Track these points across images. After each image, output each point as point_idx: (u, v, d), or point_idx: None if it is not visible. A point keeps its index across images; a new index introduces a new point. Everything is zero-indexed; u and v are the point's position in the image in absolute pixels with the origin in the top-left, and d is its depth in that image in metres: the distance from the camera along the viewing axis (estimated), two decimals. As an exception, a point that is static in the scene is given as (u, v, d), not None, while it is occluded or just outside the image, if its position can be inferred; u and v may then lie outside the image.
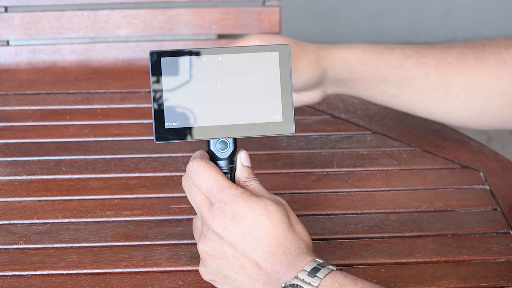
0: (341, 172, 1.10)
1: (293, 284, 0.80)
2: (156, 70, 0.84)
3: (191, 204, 0.86)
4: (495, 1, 3.08)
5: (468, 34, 3.07)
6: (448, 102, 1.09)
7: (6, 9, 1.37)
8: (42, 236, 0.97)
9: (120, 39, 1.39)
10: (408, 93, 1.09)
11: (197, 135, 0.85)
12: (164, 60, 0.84)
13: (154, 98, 0.84)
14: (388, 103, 1.11)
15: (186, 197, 0.86)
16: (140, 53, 1.37)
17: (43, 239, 0.96)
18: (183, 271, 0.92)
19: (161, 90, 0.84)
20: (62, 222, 1.00)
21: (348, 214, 1.02)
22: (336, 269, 0.81)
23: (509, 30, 3.08)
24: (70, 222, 1.00)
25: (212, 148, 0.86)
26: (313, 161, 1.12)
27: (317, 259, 0.81)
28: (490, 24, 3.09)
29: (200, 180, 0.84)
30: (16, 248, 0.95)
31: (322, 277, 0.80)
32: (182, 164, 1.11)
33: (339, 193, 1.06)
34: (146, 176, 1.08)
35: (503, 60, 1.08)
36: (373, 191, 1.06)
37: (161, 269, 0.92)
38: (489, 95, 1.08)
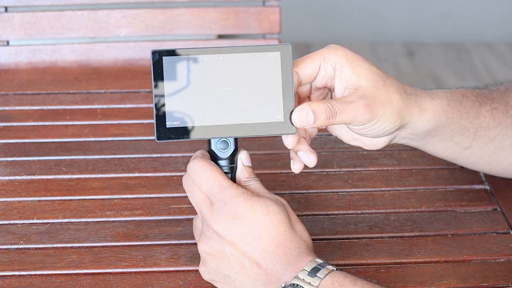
0: (341, 172, 1.10)
1: (293, 284, 0.80)
2: (158, 69, 0.84)
3: (191, 204, 0.86)
4: (495, 1, 3.08)
5: (468, 34, 3.07)
6: None
7: (6, 9, 1.37)
8: (42, 236, 0.97)
9: (120, 39, 1.39)
10: (480, 144, 0.99)
11: (198, 135, 0.85)
12: (166, 59, 0.84)
13: (155, 97, 0.84)
14: (457, 156, 1.00)
15: (186, 197, 0.86)
16: (140, 53, 1.37)
17: (43, 239, 0.96)
18: (183, 271, 0.92)
19: (163, 89, 0.84)
20: (62, 222, 1.00)
21: (348, 214, 1.02)
22: (336, 269, 0.81)
23: (509, 30, 3.08)
24: (70, 222, 1.00)
25: (213, 148, 0.86)
26: (313, 161, 1.12)
27: (317, 259, 0.81)
28: (490, 24, 3.09)
29: (200, 180, 0.84)
30: (16, 248, 0.95)
31: (322, 277, 0.80)
32: (182, 164, 1.11)
33: (339, 193, 1.06)
34: (146, 176, 1.08)
35: None
36: (373, 191, 1.06)
37: (161, 269, 0.92)
38: None
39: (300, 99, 0.92)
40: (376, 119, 0.88)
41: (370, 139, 0.94)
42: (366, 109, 0.87)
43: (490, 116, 0.98)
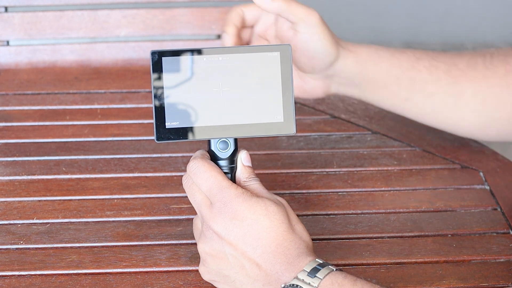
0: (341, 172, 1.10)
1: (293, 285, 0.80)
2: (157, 69, 0.84)
3: (191, 204, 0.86)
4: (495, 1, 3.08)
5: (468, 34, 3.07)
6: (458, 109, 1.06)
7: (6, 9, 1.37)
8: (42, 236, 0.97)
9: (120, 39, 1.39)
10: (419, 98, 1.06)
11: (198, 135, 0.85)
12: (165, 60, 0.84)
13: (155, 97, 0.84)
14: (398, 107, 1.08)
15: (186, 197, 0.86)
16: (140, 53, 1.37)
17: (43, 239, 0.96)
18: (183, 271, 0.92)
19: (162, 90, 0.84)
20: (62, 222, 0.99)
21: (348, 214, 1.02)
22: (336, 270, 0.81)
23: (509, 30, 3.08)
24: (70, 222, 1.00)
25: (213, 148, 0.86)
26: (313, 161, 1.12)
27: (317, 259, 0.81)
28: (490, 24, 3.09)
29: (200, 180, 0.84)
30: (16, 248, 0.95)
31: (321, 278, 0.80)
32: (182, 164, 1.11)
33: (339, 193, 1.06)
34: (146, 176, 1.08)
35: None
36: (373, 191, 1.06)
37: (161, 269, 0.92)
38: (497, 104, 1.06)
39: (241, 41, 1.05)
40: (318, 35, 1.01)
41: (311, 83, 1.05)
42: (308, 11, 1.02)
43: (427, 71, 1.04)
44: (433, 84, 1.04)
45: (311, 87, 1.06)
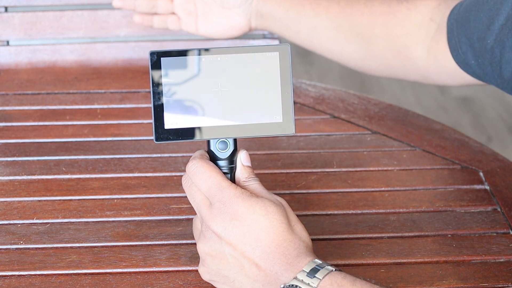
0: (341, 172, 1.10)
1: (292, 285, 0.80)
2: (156, 70, 0.84)
3: (191, 204, 0.86)
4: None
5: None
6: (338, 41, 1.19)
7: (6, 9, 1.37)
8: (42, 236, 0.97)
9: (120, 39, 1.39)
10: (305, 30, 1.20)
11: (197, 135, 0.85)
12: (164, 60, 0.84)
13: (154, 98, 0.84)
14: (295, 40, 1.22)
15: (186, 197, 0.86)
16: (140, 53, 1.37)
17: (43, 239, 0.96)
18: (183, 271, 0.92)
19: (161, 90, 0.84)
20: (62, 222, 1.00)
21: (348, 214, 1.02)
22: (335, 270, 0.81)
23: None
24: (70, 222, 1.00)
25: (212, 148, 0.86)
26: (313, 161, 1.12)
27: (316, 260, 0.81)
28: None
29: (199, 180, 0.84)
30: (16, 248, 0.95)
31: (321, 278, 0.80)
32: (182, 164, 1.11)
33: (339, 193, 1.06)
34: (146, 176, 1.08)
35: (391, 10, 1.16)
36: (373, 191, 1.06)
37: (161, 269, 0.92)
38: (371, 37, 1.17)
39: None
40: None
41: (236, 19, 1.23)
42: None
43: (310, 7, 1.19)
44: (315, 18, 1.19)
45: (236, 22, 1.24)
